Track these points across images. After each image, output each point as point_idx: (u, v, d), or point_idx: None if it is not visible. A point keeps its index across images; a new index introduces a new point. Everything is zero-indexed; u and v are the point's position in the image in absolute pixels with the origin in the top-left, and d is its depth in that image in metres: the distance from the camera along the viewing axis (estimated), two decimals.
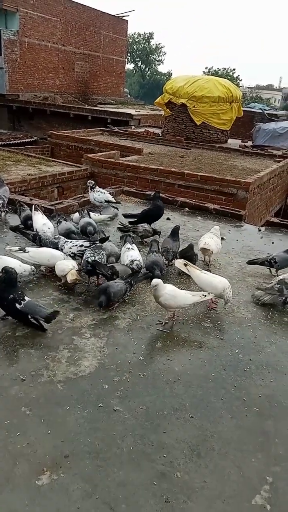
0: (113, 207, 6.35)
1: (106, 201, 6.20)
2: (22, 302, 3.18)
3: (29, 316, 3.20)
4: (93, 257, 3.88)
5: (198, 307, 3.87)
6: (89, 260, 3.87)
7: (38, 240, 4.46)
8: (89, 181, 6.66)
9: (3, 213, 5.59)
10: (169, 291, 3.38)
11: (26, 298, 3.24)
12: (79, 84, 29.00)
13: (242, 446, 2.43)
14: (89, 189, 6.26)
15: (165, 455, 2.30)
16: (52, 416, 2.47)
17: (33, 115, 22.58)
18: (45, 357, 2.98)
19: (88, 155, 11.08)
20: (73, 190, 10.05)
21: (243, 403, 2.75)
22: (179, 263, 3.91)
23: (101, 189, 6.32)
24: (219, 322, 3.67)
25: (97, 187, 6.32)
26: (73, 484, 2.08)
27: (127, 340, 3.26)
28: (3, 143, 14.65)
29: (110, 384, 2.77)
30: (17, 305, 3.17)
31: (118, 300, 3.69)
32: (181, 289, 3.67)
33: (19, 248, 4.10)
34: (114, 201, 6.42)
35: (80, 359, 2.99)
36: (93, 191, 6.18)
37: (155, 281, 3.35)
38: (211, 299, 3.78)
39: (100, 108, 23.24)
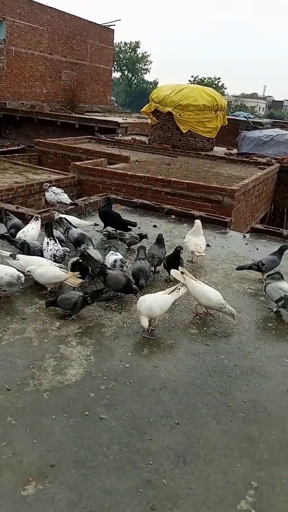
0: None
1: (58, 203, 6.20)
2: None
3: None
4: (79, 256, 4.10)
5: (184, 313, 3.91)
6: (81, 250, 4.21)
7: (27, 248, 4.45)
8: (45, 183, 6.64)
9: None
10: (148, 304, 3.40)
11: None
12: (66, 92, 29.10)
13: (227, 451, 2.45)
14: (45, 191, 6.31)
15: (151, 462, 2.31)
16: (38, 425, 2.47)
17: (20, 123, 22.57)
18: (31, 366, 2.97)
19: (76, 163, 11.11)
20: None
21: (228, 408, 2.78)
22: (175, 272, 3.93)
23: (55, 189, 6.29)
24: (205, 328, 3.70)
25: (53, 187, 6.33)
26: (59, 493, 2.08)
27: (113, 348, 3.27)
28: None
29: (96, 392, 2.77)
30: None
31: (70, 311, 3.63)
32: None
33: (10, 255, 4.09)
34: (69, 202, 6.29)
35: (66, 367, 2.99)
36: (47, 191, 6.21)
37: (143, 323, 3.37)
38: (208, 310, 3.83)
39: (87, 116, 23.33)
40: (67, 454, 2.30)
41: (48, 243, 4.38)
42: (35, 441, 2.36)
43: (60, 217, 5.11)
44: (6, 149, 15.91)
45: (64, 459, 2.27)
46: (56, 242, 4.43)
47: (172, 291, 3.61)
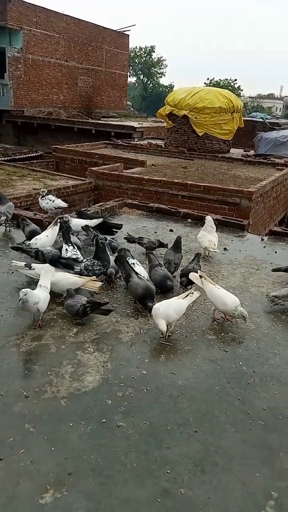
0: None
1: (56, 208, 6.26)
2: None
3: None
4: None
5: (202, 319, 3.87)
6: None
7: (41, 256, 4.46)
8: (42, 189, 6.71)
9: (7, 229, 5.66)
10: (164, 310, 3.39)
11: None
12: (82, 98, 29.40)
13: (247, 460, 2.41)
14: (39, 198, 6.38)
15: (168, 471, 2.29)
16: (55, 432, 2.47)
17: (38, 130, 22.90)
18: (49, 372, 2.98)
19: (92, 168, 11.19)
20: (78, 203, 10.13)
21: (247, 416, 2.73)
22: (194, 275, 3.91)
23: (51, 197, 6.38)
24: (223, 334, 3.66)
25: (49, 195, 6.41)
26: (76, 502, 2.07)
27: (130, 354, 3.27)
28: (8, 158, 14.85)
29: (113, 399, 2.76)
30: None
31: (75, 317, 3.65)
32: None
33: (24, 265, 4.11)
34: (66, 205, 6.38)
35: (84, 374, 2.99)
36: (43, 199, 6.27)
37: (161, 327, 3.37)
38: (226, 316, 3.80)
39: (104, 122, 23.52)
40: (85, 462, 2.30)
41: (67, 249, 4.40)
42: (52, 448, 2.37)
43: (86, 225, 5.13)
44: (24, 156, 16.14)
45: (82, 467, 2.26)
46: (74, 248, 4.44)
47: (186, 295, 3.59)
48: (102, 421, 2.58)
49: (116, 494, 2.13)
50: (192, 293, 3.62)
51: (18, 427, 2.50)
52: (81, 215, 5.73)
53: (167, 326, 3.48)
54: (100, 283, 3.99)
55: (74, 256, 4.30)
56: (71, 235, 4.65)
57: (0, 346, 3.23)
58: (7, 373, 2.95)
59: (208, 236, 5.34)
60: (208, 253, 5.28)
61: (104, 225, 5.51)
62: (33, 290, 3.49)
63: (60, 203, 6.36)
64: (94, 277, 4.00)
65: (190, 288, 4.20)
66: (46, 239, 4.76)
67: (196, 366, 3.17)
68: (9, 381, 2.87)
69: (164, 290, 4.13)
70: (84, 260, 4.08)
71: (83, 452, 2.36)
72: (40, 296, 3.46)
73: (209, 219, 5.55)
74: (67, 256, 4.32)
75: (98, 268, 3.88)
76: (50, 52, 25.94)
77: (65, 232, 4.58)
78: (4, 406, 2.64)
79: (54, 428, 2.51)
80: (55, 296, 4.01)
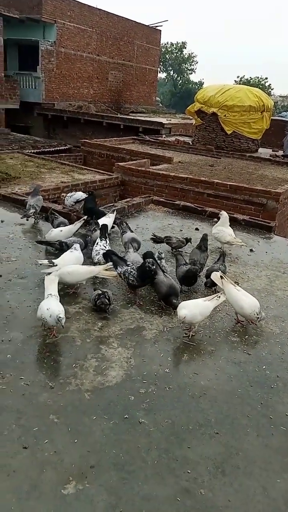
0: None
1: (75, 202, 6.27)
2: None
3: None
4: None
5: (225, 320, 3.86)
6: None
7: (66, 246, 4.53)
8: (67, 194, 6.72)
9: (36, 221, 5.75)
10: (193, 309, 3.39)
11: None
12: (112, 93, 29.46)
13: (268, 465, 2.40)
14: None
15: (189, 471, 2.30)
16: (79, 425, 2.52)
17: (68, 123, 23.08)
18: (73, 365, 3.03)
19: (119, 163, 11.22)
20: (104, 198, 10.19)
21: (270, 421, 2.71)
22: (215, 275, 3.90)
23: (68, 194, 6.48)
24: (247, 336, 3.64)
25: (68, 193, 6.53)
26: (98, 495, 2.11)
27: (153, 352, 3.28)
28: (38, 150, 15.02)
29: (136, 395, 2.79)
30: None
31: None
32: None
33: (48, 261, 4.17)
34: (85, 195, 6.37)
35: (107, 369, 3.03)
36: (70, 197, 6.35)
37: (183, 313, 3.34)
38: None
39: (132, 117, 23.52)
40: (107, 456, 2.33)
41: (98, 243, 4.46)
42: (75, 440, 2.41)
43: (121, 220, 5.19)
44: (53, 149, 16.30)
45: (104, 461, 2.30)
46: (107, 243, 4.48)
47: (212, 298, 3.58)
48: (125, 416, 2.61)
49: (137, 490, 2.16)
50: (219, 296, 3.61)
51: (43, 417, 2.55)
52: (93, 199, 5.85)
53: (190, 326, 3.49)
54: (115, 272, 4.02)
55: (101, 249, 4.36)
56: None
57: (27, 337, 3.30)
58: (33, 363, 3.02)
59: (226, 230, 5.35)
60: (225, 247, 5.25)
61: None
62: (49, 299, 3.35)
63: (78, 196, 6.36)
64: (109, 264, 4.07)
65: (214, 289, 4.19)
66: (58, 233, 4.89)
67: (219, 368, 3.16)
68: (35, 371, 2.94)
69: (187, 283, 4.16)
70: (130, 265, 4.01)
71: (105, 446, 2.39)
72: (58, 309, 3.26)
73: (224, 214, 5.55)
74: (95, 249, 4.38)
75: (131, 279, 3.86)
76: (82, 46, 26.06)
77: (102, 228, 4.62)
78: (30, 396, 2.70)
79: (77, 420, 2.55)
80: (67, 288, 4.04)
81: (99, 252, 4.36)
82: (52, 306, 3.24)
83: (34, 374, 2.91)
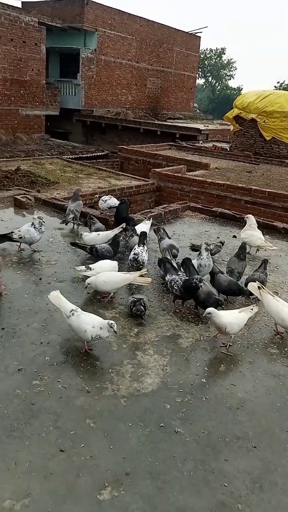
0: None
1: (109, 208, 6.28)
2: None
3: None
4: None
5: (264, 331, 3.77)
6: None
7: (95, 251, 4.62)
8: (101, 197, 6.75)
9: (75, 226, 5.85)
10: (231, 319, 3.35)
11: None
12: (150, 99, 29.66)
13: None
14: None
15: (226, 484, 2.26)
16: (114, 431, 2.52)
17: (105, 129, 23.42)
18: (110, 370, 3.05)
19: (156, 169, 11.26)
20: (139, 204, 10.26)
21: None
22: (252, 286, 3.84)
23: (104, 197, 6.48)
24: (286, 348, 3.54)
25: (104, 196, 6.56)
26: (133, 503, 2.10)
27: (190, 360, 3.25)
28: (76, 156, 15.34)
29: (172, 404, 2.77)
30: None
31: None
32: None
33: (85, 267, 4.23)
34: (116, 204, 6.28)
35: (143, 375, 3.02)
36: (104, 202, 6.39)
37: (210, 309, 3.32)
38: None
39: (169, 123, 23.57)
40: (142, 464, 2.32)
41: (135, 248, 4.49)
42: (111, 446, 2.42)
43: (158, 227, 5.21)
44: (91, 155, 16.59)
45: (139, 468, 2.29)
46: (145, 249, 4.50)
47: (245, 310, 3.51)
48: (160, 425, 2.59)
49: (172, 500, 2.14)
50: (252, 309, 3.54)
51: (80, 421, 2.58)
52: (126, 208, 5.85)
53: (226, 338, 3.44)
54: (149, 279, 4.08)
55: (142, 258, 4.39)
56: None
57: (65, 340, 3.35)
58: (70, 366, 3.05)
59: (256, 233, 5.27)
60: (256, 251, 5.15)
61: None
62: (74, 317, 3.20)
63: (112, 202, 6.39)
64: (144, 271, 4.11)
65: (254, 297, 4.11)
66: (95, 237, 5.01)
67: (257, 380, 3.09)
68: (72, 374, 2.97)
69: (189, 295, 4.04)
70: (180, 274, 4.00)
71: (141, 454, 2.38)
72: (100, 319, 3.22)
73: (251, 218, 5.52)
74: (134, 253, 4.41)
75: (175, 289, 3.84)
76: (122, 53, 26.43)
77: (142, 235, 4.65)
78: (67, 399, 2.73)
79: (113, 426, 2.56)
80: (99, 294, 4.07)
81: (137, 256, 4.39)
82: (94, 321, 3.16)
83: (71, 377, 2.95)
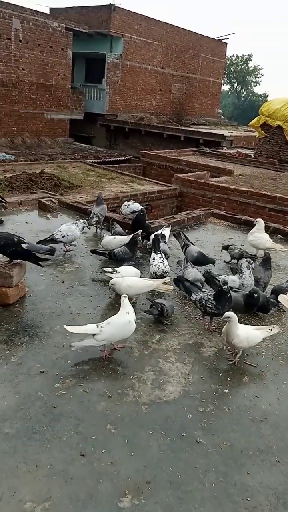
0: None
1: (131, 212, 6.27)
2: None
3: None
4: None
5: None
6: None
7: (114, 256, 4.64)
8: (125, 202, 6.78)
9: (98, 230, 5.88)
10: (243, 333, 3.26)
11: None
12: (174, 105, 29.70)
13: None
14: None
15: (248, 499, 2.21)
16: (135, 438, 2.50)
17: (129, 134, 23.55)
18: (131, 376, 3.03)
19: (178, 175, 11.24)
20: (161, 209, 10.25)
21: None
22: (283, 298, 3.77)
23: (127, 202, 6.53)
24: None
25: (127, 201, 6.61)
26: None
27: (212, 370, 3.21)
28: (99, 160, 15.45)
29: (194, 414, 2.73)
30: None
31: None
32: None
33: (112, 269, 4.24)
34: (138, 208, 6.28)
35: (165, 383, 3.00)
36: (127, 206, 6.43)
37: (230, 313, 3.25)
38: None
39: (193, 129, 23.54)
40: (163, 473, 2.30)
41: (154, 258, 4.44)
42: (132, 453, 2.40)
43: (178, 232, 5.17)
44: (114, 159, 16.69)
45: (160, 478, 2.26)
46: (162, 256, 4.47)
47: (262, 329, 3.43)
48: (182, 434, 2.56)
49: None
50: (270, 329, 3.45)
51: (100, 426, 2.57)
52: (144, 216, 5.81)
53: (235, 351, 3.35)
54: (171, 287, 4.06)
55: (165, 269, 4.31)
56: (161, 243, 4.70)
57: None
58: (92, 371, 3.05)
59: (264, 236, 5.34)
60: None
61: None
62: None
63: (134, 207, 6.40)
64: (167, 279, 4.09)
65: (279, 306, 4.04)
66: (111, 240, 5.03)
67: (282, 392, 3.03)
68: (93, 379, 2.97)
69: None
70: (206, 292, 3.82)
71: (162, 463, 2.36)
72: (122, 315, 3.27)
73: (261, 222, 5.58)
74: (154, 264, 4.36)
75: (210, 306, 3.63)
76: (147, 59, 26.57)
77: (155, 240, 4.64)
78: (88, 404, 2.73)
79: (134, 433, 2.54)
80: (142, 299, 4.08)
81: (158, 267, 4.33)
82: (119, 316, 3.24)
83: (93, 381, 2.94)
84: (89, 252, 5.18)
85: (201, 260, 4.65)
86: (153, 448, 2.44)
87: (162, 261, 4.39)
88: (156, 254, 4.48)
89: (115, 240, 5.00)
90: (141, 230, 5.31)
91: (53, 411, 2.64)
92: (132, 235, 4.94)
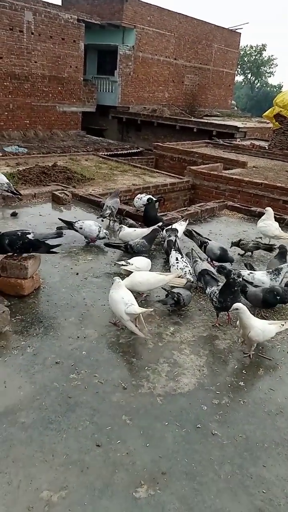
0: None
1: (143, 205, 6.21)
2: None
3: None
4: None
5: None
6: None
7: (131, 248, 4.63)
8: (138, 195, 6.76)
9: (111, 222, 5.88)
10: (260, 325, 3.22)
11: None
12: (187, 96, 29.44)
13: None
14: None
15: (264, 491, 2.20)
16: (150, 429, 2.51)
17: (141, 126, 23.43)
18: (146, 368, 3.04)
19: (191, 167, 11.15)
20: (174, 201, 10.19)
21: None
22: None
23: (140, 195, 6.53)
24: None
25: (139, 195, 6.65)
26: (169, 503, 2.08)
27: (227, 362, 3.20)
28: (112, 153, 15.42)
29: (208, 405, 2.73)
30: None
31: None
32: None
33: (125, 262, 4.23)
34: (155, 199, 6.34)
35: (179, 375, 2.99)
36: (139, 199, 6.43)
37: (238, 305, 3.20)
38: None
39: (206, 121, 23.32)
40: (178, 464, 2.30)
41: (177, 258, 4.29)
42: (147, 444, 2.41)
43: (189, 231, 5.08)
44: (126, 152, 16.65)
45: (175, 469, 2.27)
46: (183, 257, 4.33)
47: (276, 324, 3.39)
48: (197, 426, 2.56)
49: (209, 503, 2.10)
50: (282, 324, 3.39)
51: (116, 417, 2.58)
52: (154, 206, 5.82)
53: (251, 344, 3.32)
54: (184, 280, 3.98)
55: (191, 277, 4.12)
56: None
57: (101, 335, 3.37)
58: (107, 362, 3.07)
59: (273, 224, 5.35)
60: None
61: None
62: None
63: (146, 199, 6.35)
64: (180, 273, 4.03)
65: None
66: (130, 232, 5.04)
67: None
68: (108, 370, 2.98)
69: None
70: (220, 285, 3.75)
71: (177, 454, 2.36)
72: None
73: (270, 210, 5.65)
74: (175, 263, 4.27)
75: (214, 300, 3.57)
76: (160, 50, 26.34)
77: (169, 242, 4.59)
78: (103, 395, 2.74)
79: (149, 424, 2.54)
80: (157, 293, 4.07)
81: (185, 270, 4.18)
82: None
83: (108, 372, 2.95)
84: (102, 244, 5.18)
85: (224, 258, 4.58)
86: (168, 440, 2.44)
87: (187, 265, 4.21)
88: (178, 254, 4.32)
89: (135, 233, 4.98)
90: (161, 223, 5.29)
91: (69, 401, 2.66)
92: (153, 228, 4.92)
